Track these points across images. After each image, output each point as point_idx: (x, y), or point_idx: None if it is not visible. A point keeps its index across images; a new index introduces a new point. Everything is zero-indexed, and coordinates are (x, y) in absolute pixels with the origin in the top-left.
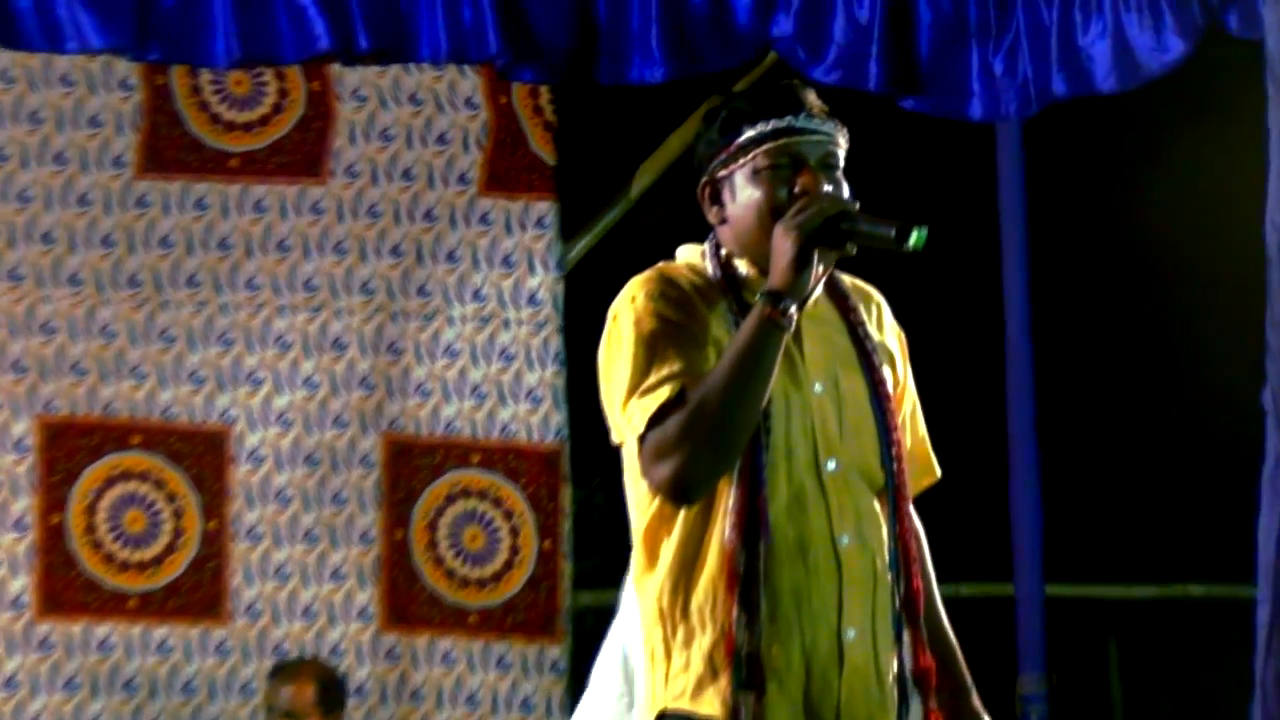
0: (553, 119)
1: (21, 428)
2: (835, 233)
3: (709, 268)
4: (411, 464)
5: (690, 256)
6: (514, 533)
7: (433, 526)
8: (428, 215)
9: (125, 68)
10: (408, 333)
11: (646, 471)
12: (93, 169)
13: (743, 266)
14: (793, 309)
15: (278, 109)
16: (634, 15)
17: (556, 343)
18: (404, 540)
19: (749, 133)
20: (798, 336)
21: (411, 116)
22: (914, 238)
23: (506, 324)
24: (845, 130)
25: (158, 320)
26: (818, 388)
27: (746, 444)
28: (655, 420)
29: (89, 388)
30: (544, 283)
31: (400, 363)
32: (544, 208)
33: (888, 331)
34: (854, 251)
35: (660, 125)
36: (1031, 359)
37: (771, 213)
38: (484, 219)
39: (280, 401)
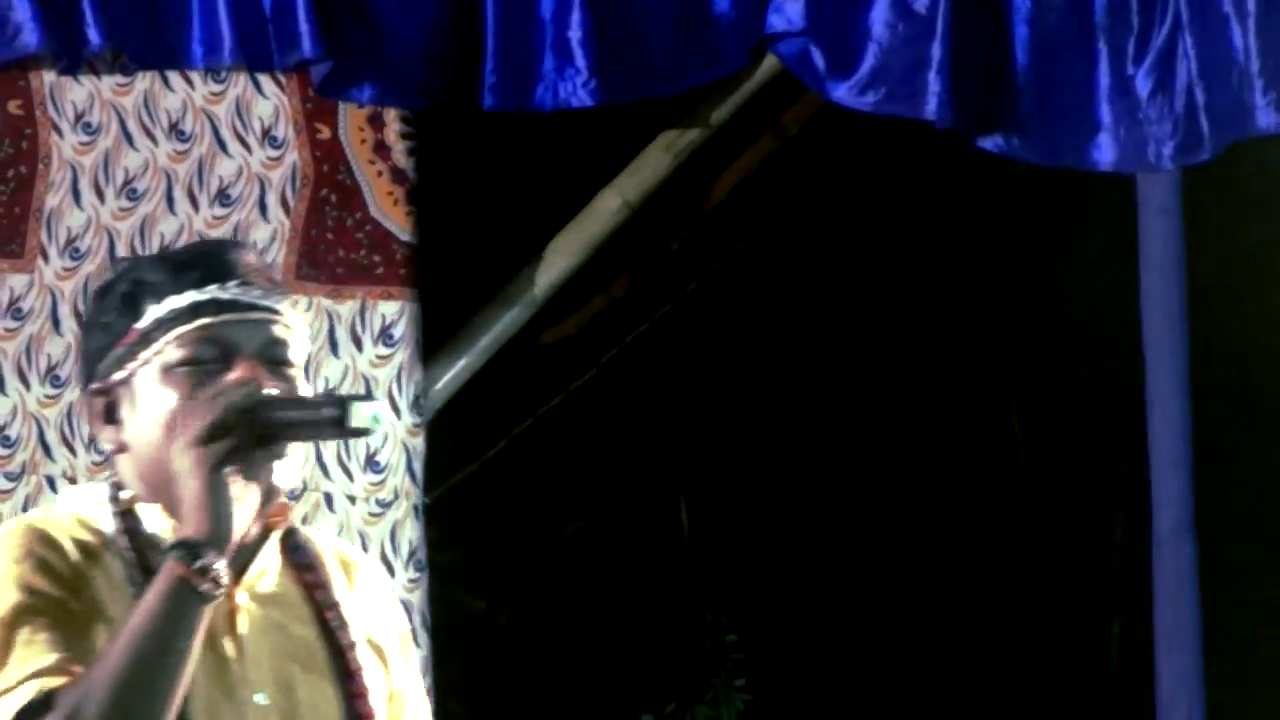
0: (407, 166)
1: None
2: (258, 434)
3: (103, 519)
4: None
5: (79, 504)
6: None
7: None
8: None
9: None
10: None
11: None
12: None
13: (152, 517)
14: (220, 565)
15: None
16: (544, 2)
17: (413, 532)
18: None
19: (154, 312)
20: (233, 622)
21: (174, 159)
22: (362, 416)
23: (329, 501)
24: (298, 308)
25: None
26: (260, 699)
27: None
28: None
29: None
30: (391, 435)
31: None
32: (393, 310)
33: (376, 614)
34: (284, 454)
35: (584, 178)
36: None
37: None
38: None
39: None
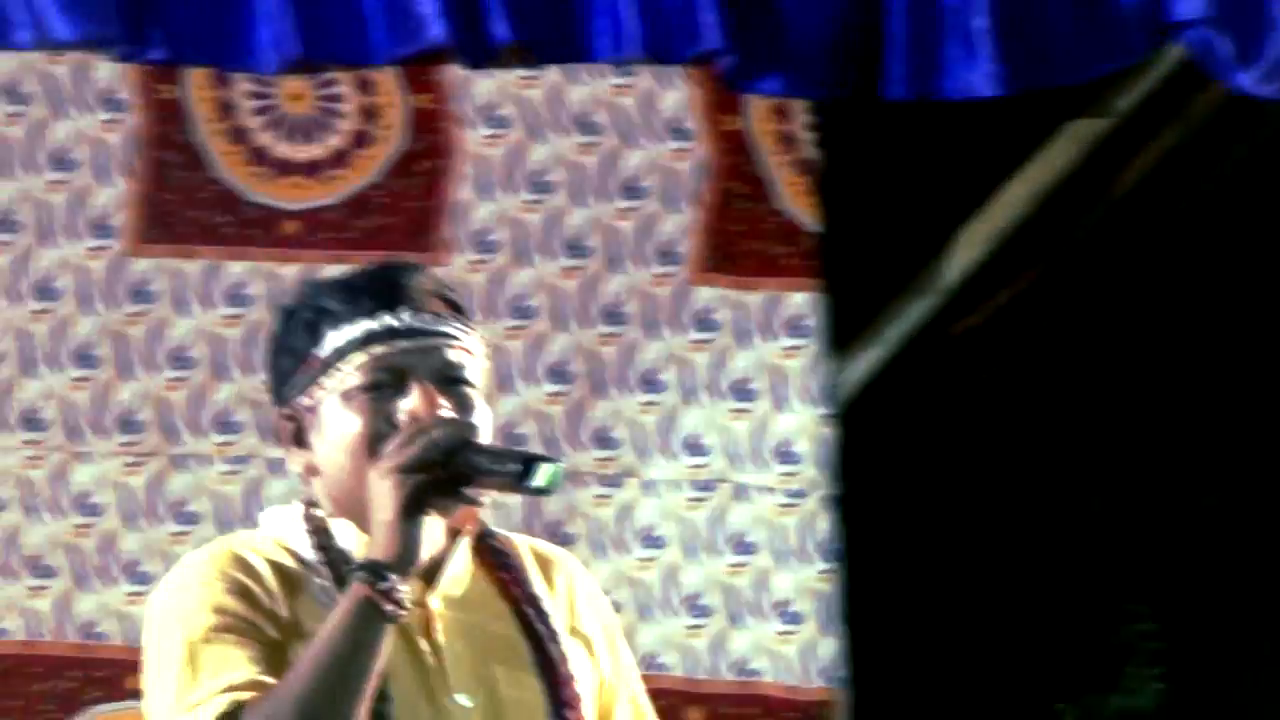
0: (814, 157)
1: None
2: (453, 472)
3: (299, 539)
4: None
5: (279, 525)
6: None
7: None
8: (611, 315)
9: (110, 73)
10: (579, 506)
11: None
12: (58, 238)
13: (345, 534)
14: (402, 587)
15: (362, 140)
16: None
17: (825, 523)
18: None
19: (333, 340)
20: (430, 627)
21: (581, 152)
22: (543, 475)
23: (742, 493)
24: (475, 331)
25: (168, 486)
26: (462, 700)
27: None
28: None
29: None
30: (803, 426)
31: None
32: (801, 302)
33: (584, 610)
34: (483, 502)
35: (989, 166)
36: None
37: (370, 450)
38: (702, 320)
39: None
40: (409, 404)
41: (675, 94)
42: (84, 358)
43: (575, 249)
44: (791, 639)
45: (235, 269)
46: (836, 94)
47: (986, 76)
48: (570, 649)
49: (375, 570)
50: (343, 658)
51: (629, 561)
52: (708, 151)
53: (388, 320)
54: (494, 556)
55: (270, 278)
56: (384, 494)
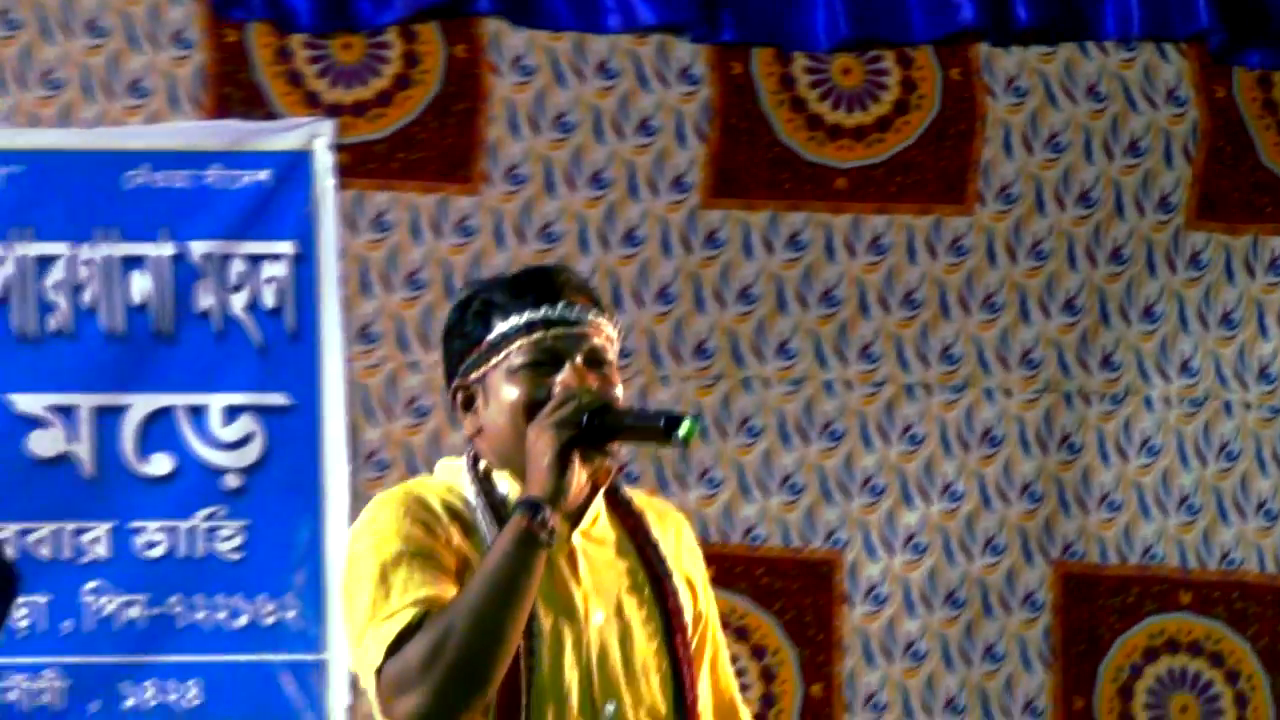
0: None
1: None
2: (597, 429)
3: (466, 486)
4: (1096, 605)
5: (450, 474)
6: (1239, 702)
7: (1126, 693)
8: (1115, 256)
9: (687, 53)
10: (1088, 421)
11: (386, 710)
12: (642, 192)
13: (504, 483)
14: (554, 520)
15: (902, 108)
16: None
17: None
18: (1086, 711)
19: (500, 327)
20: (573, 559)
21: (1091, 117)
22: (684, 428)
23: (1229, 408)
24: (614, 319)
25: (736, 404)
26: (597, 618)
27: (506, 681)
28: (393, 649)
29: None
30: None
31: (1078, 463)
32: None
33: (687, 555)
34: (621, 452)
35: None
36: None
37: (528, 415)
38: (1195, 260)
39: (908, 518)
40: (561, 378)
41: (1171, 67)
42: (663, 296)
43: (1085, 200)
44: (1269, 533)
45: (793, 219)
46: None
47: None
48: (680, 586)
49: (533, 506)
50: (506, 575)
51: (1131, 467)
52: (1199, 116)
53: (546, 311)
54: (622, 507)
55: (823, 227)
56: (540, 445)
